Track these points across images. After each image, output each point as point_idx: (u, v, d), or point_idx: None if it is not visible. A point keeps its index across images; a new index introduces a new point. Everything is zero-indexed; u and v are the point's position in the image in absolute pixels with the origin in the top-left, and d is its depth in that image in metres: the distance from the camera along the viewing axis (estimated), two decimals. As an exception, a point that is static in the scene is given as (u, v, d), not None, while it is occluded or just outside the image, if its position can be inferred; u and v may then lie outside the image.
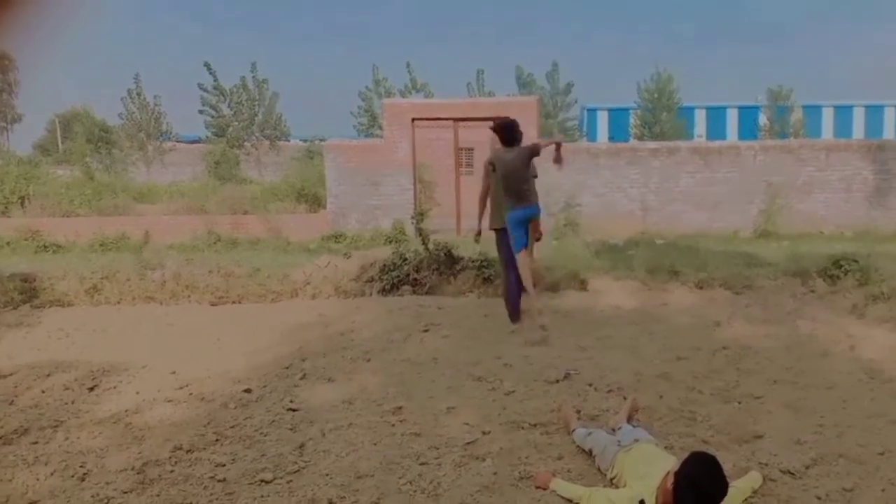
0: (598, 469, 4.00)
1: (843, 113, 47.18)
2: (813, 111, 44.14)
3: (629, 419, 4.50)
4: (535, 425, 4.67)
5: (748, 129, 43.28)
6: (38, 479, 3.99)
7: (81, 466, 4.16)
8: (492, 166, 7.37)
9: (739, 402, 5.13)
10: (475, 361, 6.23)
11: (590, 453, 4.16)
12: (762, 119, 41.93)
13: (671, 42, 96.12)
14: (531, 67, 36.30)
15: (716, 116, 46.90)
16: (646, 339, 6.94)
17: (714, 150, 16.67)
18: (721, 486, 3.16)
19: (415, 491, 3.80)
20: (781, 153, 16.54)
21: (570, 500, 3.66)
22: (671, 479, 3.22)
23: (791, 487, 3.78)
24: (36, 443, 4.55)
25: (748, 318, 7.80)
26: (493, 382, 5.66)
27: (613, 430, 4.29)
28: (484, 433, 4.57)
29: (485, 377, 5.78)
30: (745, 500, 3.62)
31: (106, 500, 3.75)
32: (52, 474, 4.06)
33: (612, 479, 3.83)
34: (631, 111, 41.37)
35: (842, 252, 9.57)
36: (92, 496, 3.79)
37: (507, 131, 7.14)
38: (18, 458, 4.28)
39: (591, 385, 5.51)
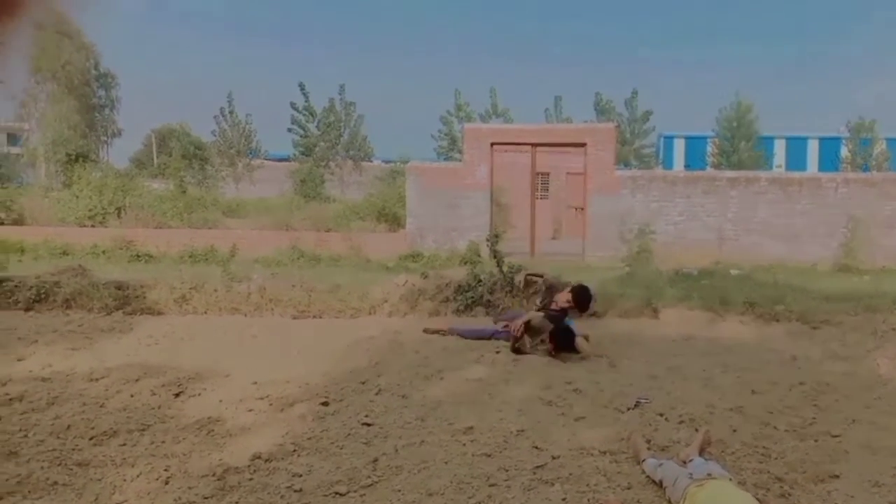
0: (669, 501, 3.90)
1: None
2: (896, 144, 42.71)
3: (701, 452, 4.40)
4: (604, 453, 4.61)
5: (829, 161, 42.13)
6: (125, 480, 4.12)
7: (166, 470, 4.28)
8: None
9: (816, 440, 4.94)
10: (546, 385, 6.21)
11: (660, 484, 4.08)
12: (844, 151, 40.73)
13: (751, 71, 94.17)
14: (611, 94, 36.03)
15: (796, 147, 45.76)
16: (719, 371, 6.79)
17: (794, 182, 16.26)
18: None
19: (485, 512, 3.78)
20: (864, 186, 16.04)
21: None
22: None
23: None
24: (124, 445, 4.70)
25: (826, 353, 7.57)
26: (563, 407, 5.62)
27: (684, 462, 4.20)
28: (553, 458, 4.52)
29: (555, 401, 5.76)
30: None
31: (187, 504, 3.85)
32: (138, 476, 4.19)
33: None
34: (708, 139, 40.71)
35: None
36: (174, 500, 3.89)
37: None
38: (108, 459, 4.43)
39: (661, 415, 5.42)
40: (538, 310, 7.83)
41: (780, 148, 45.34)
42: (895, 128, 42.74)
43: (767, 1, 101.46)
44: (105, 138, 37.46)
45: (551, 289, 8.10)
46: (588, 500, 3.91)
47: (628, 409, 5.54)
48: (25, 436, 4.79)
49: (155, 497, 3.92)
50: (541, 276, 8.85)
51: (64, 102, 32.85)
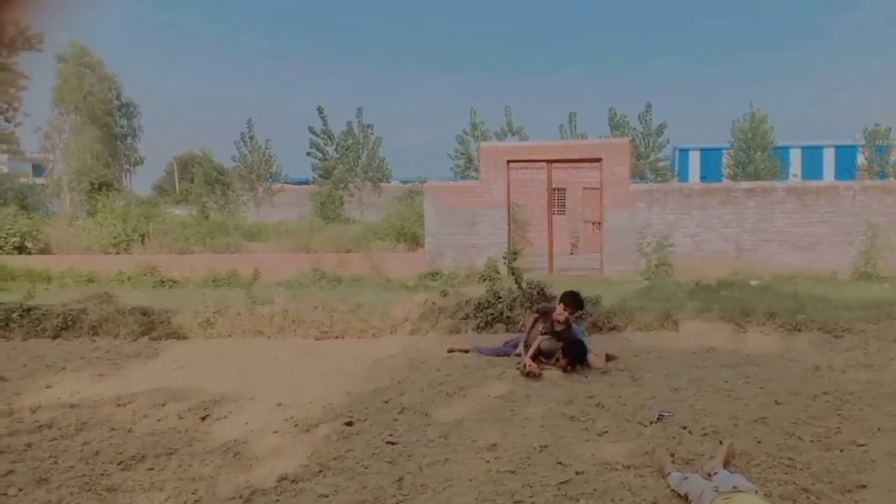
0: None
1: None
2: (913, 151, 42.53)
3: (726, 464, 4.42)
4: (628, 467, 4.62)
5: (845, 168, 41.96)
6: None
7: (193, 493, 4.38)
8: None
9: (841, 450, 4.93)
10: (568, 400, 6.25)
11: (686, 498, 4.08)
12: (860, 159, 40.54)
13: (762, 81, 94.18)
14: (624, 109, 36.16)
15: (811, 156, 45.61)
16: (741, 383, 6.80)
17: (811, 190, 16.28)
18: None
19: (511, 529, 3.79)
20: (882, 193, 16.03)
21: None
22: None
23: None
24: (152, 469, 4.81)
25: (849, 362, 7.54)
26: (585, 422, 5.65)
27: (709, 474, 4.22)
28: (577, 473, 4.54)
29: (577, 417, 5.79)
30: None
31: (219, 527, 3.92)
32: (166, 500, 4.29)
33: None
34: (723, 151, 40.70)
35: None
36: None
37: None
38: (136, 484, 4.54)
39: (685, 428, 5.43)
40: (542, 334, 7.80)
41: (795, 157, 45.24)
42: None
43: (776, 8, 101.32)
44: (128, 167, 38.20)
45: (547, 313, 8.04)
46: (613, 514, 3.92)
47: (651, 422, 5.55)
48: (55, 462, 4.92)
49: (187, 519, 4.01)
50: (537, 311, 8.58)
51: (87, 133, 33.96)
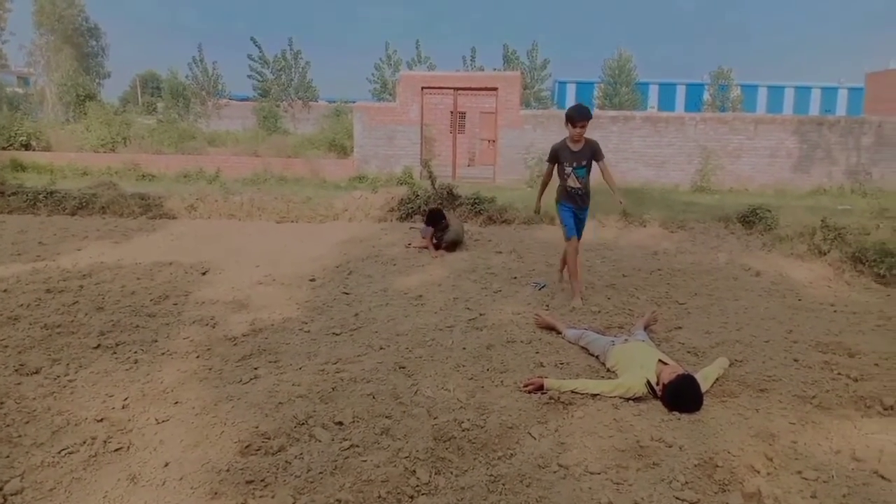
0: (597, 359, 4.19)
1: (775, 92, 47.32)
2: (750, 90, 44.29)
3: (646, 327, 4.71)
4: (518, 313, 5.26)
5: (694, 103, 43.23)
6: (182, 327, 4.78)
7: (212, 318, 5.00)
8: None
9: (668, 306, 5.61)
10: (471, 269, 6.89)
11: (585, 350, 4.35)
12: (706, 95, 41.91)
13: (634, 26, 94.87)
14: (515, 45, 36.02)
15: (667, 92, 46.95)
16: (599, 261, 7.45)
17: (662, 119, 16.94)
18: (697, 402, 3.51)
19: (437, 345, 4.47)
20: (718, 124, 16.79)
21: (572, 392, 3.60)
22: (667, 377, 3.54)
23: (696, 361, 4.26)
24: (176, 304, 5.39)
25: (679, 250, 8.22)
26: (484, 283, 6.31)
27: (631, 333, 4.52)
28: (481, 314, 5.21)
29: (479, 280, 6.43)
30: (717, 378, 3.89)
31: (233, 339, 4.52)
32: (192, 324, 4.87)
33: (609, 368, 4.00)
34: (595, 84, 41.30)
35: (758, 204, 9.89)
36: (223, 336, 4.60)
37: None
38: (167, 312, 5.14)
39: (559, 289, 6.13)
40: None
41: (653, 92, 46.44)
42: (749, 76, 44.46)
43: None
44: (98, 81, 36.72)
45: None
46: (507, 338, 4.60)
47: (533, 285, 6.20)
48: (104, 298, 5.46)
49: (208, 336, 4.59)
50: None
51: (63, 51, 33.77)
